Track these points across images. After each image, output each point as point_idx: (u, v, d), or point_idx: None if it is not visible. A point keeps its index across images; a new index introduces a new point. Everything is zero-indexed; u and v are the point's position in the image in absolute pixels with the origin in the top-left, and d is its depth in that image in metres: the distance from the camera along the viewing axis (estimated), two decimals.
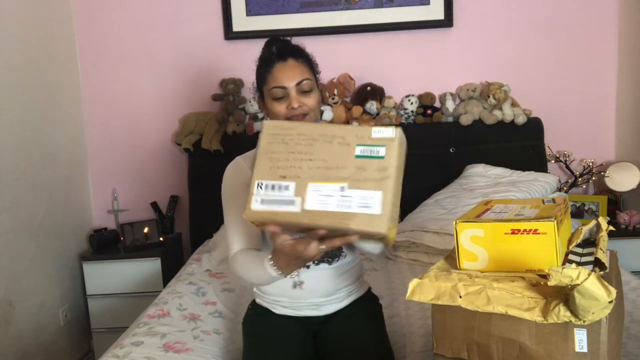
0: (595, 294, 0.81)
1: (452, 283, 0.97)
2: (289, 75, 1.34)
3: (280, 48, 1.37)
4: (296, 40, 1.42)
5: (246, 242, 1.36)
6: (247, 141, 2.48)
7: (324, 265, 1.41)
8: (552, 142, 2.78)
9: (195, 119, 2.75)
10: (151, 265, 2.60)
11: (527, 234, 0.99)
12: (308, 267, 1.40)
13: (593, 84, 2.78)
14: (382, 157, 1.00)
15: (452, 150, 2.71)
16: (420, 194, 2.55)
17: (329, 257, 1.41)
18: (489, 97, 2.65)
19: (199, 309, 1.83)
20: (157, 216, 2.85)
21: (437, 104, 2.78)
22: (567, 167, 2.77)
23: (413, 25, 2.73)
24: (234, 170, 1.42)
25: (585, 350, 0.88)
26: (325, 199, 1.01)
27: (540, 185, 2.37)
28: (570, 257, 1.04)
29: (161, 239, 2.73)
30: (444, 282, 0.98)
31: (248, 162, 1.42)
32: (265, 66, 1.37)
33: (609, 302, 0.81)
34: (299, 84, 1.34)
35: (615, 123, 2.81)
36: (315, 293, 1.41)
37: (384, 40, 2.78)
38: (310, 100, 1.35)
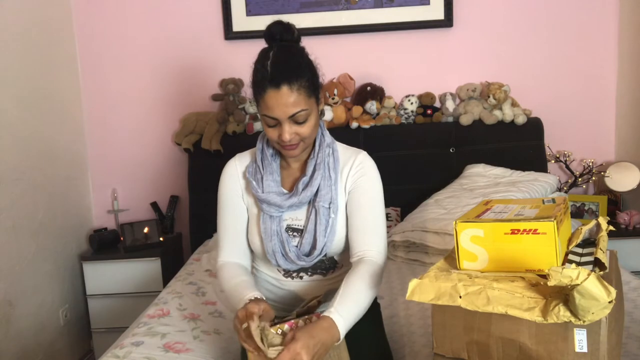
0: (595, 294, 0.81)
1: (452, 283, 0.97)
2: (280, 106, 1.21)
3: (274, 70, 1.21)
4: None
5: (235, 255, 1.41)
6: (247, 141, 2.48)
7: (318, 277, 1.40)
8: (552, 142, 2.78)
9: (195, 119, 2.75)
10: (151, 265, 2.60)
11: (527, 234, 0.99)
12: (301, 277, 1.40)
13: (593, 84, 2.78)
14: None
15: (452, 150, 2.71)
16: (420, 194, 2.56)
17: (324, 269, 1.41)
18: (489, 97, 2.65)
19: (199, 309, 1.83)
20: (157, 216, 2.85)
21: (437, 104, 2.78)
22: (567, 167, 2.76)
23: (413, 25, 2.73)
24: (228, 178, 1.42)
25: (585, 350, 0.88)
26: None
27: (540, 185, 2.36)
28: (570, 257, 1.04)
29: (161, 239, 2.72)
30: (444, 282, 0.98)
31: (244, 165, 1.42)
32: (257, 85, 1.24)
33: (609, 302, 0.81)
34: (292, 116, 1.23)
35: (615, 123, 2.81)
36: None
37: (384, 40, 2.78)
38: (305, 129, 1.26)
